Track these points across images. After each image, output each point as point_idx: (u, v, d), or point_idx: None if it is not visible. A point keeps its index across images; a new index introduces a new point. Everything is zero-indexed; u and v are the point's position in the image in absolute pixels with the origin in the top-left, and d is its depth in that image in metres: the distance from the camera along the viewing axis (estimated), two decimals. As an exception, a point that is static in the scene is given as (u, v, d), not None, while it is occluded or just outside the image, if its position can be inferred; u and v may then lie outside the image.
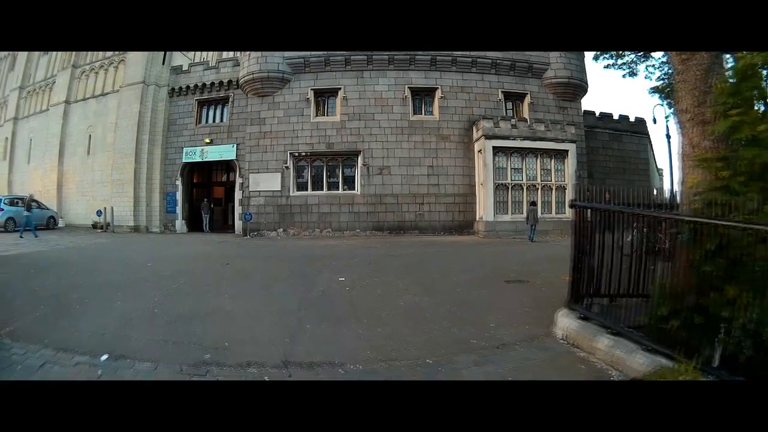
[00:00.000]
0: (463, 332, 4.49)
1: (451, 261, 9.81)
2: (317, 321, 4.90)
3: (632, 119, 22.20)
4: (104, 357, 3.77)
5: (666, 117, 18.47)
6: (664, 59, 17.02)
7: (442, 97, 17.45)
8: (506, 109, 18.03)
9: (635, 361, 3.28)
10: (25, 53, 27.02)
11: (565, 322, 4.24)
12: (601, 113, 21.34)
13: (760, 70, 3.45)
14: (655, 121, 19.95)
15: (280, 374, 3.42)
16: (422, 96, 17.74)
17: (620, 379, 3.29)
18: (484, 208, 16.15)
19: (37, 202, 19.00)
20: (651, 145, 23.67)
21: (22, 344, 4.04)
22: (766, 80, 3.67)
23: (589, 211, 4.30)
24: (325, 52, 17.17)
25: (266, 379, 3.32)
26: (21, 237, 14.14)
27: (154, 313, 5.16)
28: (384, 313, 5.22)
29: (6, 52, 29.29)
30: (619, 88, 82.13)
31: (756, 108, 3.52)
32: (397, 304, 5.63)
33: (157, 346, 4.05)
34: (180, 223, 19.97)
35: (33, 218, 15.56)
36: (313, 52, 17.18)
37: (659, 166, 26.58)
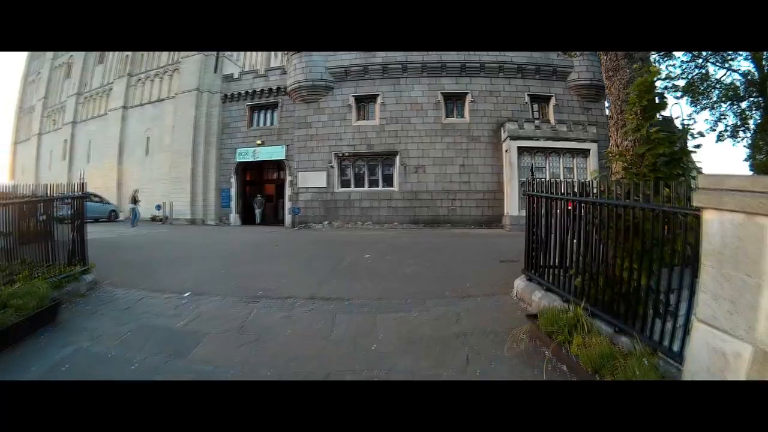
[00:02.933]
0: (443, 289, 5.73)
1: (465, 247, 10.69)
2: (339, 278, 6.50)
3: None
4: (186, 294, 5.39)
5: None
6: (685, 58, 17.96)
7: (472, 101, 18.70)
8: (533, 111, 18.96)
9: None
10: (81, 63, 29.53)
11: (517, 283, 5.38)
12: (623, 112, 22.25)
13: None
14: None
15: (308, 303, 5.07)
16: (454, 100, 19.02)
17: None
18: (510, 204, 17.43)
19: (99, 197, 21.22)
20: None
21: (121, 289, 5.49)
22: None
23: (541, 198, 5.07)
24: (364, 62, 18.84)
25: (291, 316, 4.55)
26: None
27: (219, 273, 6.89)
28: (391, 275, 6.70)
29: (61, 62, 31.87)
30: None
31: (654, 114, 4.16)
32: (403, 272, 7.00)
33: (223, 289, 5.67)
34: (234, 217, 21.92)
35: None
36: (352, 63, 18.91)
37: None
